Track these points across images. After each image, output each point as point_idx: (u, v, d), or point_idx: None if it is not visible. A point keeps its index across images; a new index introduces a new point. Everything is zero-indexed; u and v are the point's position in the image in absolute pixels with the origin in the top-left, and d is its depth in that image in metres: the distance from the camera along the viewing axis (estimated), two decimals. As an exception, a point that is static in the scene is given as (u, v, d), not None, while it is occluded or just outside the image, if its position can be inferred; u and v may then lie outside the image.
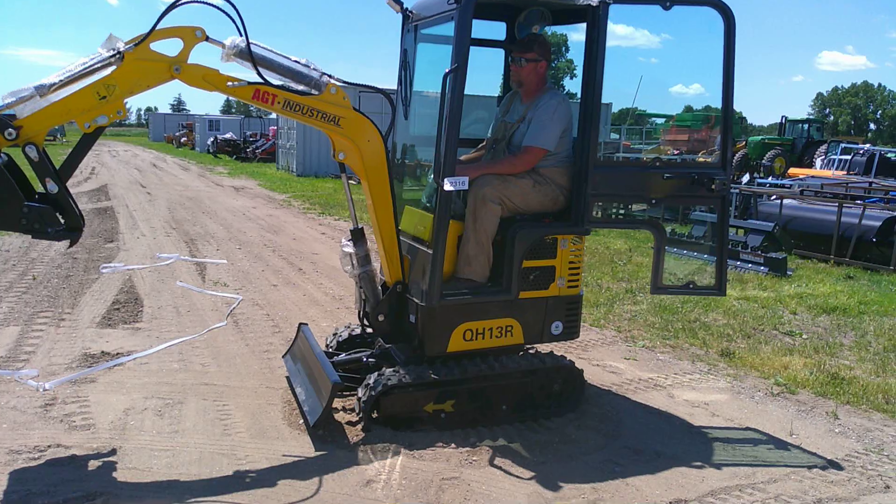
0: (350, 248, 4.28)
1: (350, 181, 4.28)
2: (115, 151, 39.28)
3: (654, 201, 4.55)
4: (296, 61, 3.87)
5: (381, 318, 4.31)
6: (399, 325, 4.35)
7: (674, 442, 4.22)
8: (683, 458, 4.00)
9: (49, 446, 3.82)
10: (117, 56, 3.54)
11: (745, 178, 20.80)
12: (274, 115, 35.90)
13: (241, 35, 3.67)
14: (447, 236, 4.03)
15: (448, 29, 3.91)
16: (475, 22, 4.22)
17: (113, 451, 3.80)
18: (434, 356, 4.16)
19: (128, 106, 3.43)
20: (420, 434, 4.04)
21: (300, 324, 5.02)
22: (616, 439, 4.20)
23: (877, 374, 5.56)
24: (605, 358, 5.76)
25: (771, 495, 3.62)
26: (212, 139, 38.78)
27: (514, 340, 4.30)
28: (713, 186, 4.30)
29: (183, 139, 49.01)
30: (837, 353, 6.09)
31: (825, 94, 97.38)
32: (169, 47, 3.60)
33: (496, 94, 5.10)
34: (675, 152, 30.66)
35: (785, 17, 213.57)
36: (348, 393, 4.44)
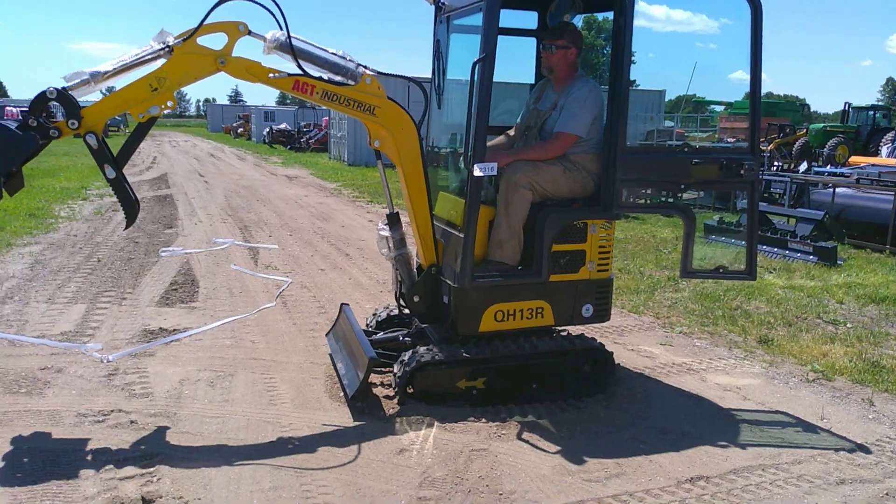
0: (386, 232, 4.49)
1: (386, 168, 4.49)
2: (175, 142, 40.63)
3: (682, 187, 4.58)
4: (333, 53, 4.09)
5: (416, 298, 4.51)
6: (434, 306, 4.54)
7: (701, 423, 4.30)
8: (709, 438, 4.08)
9: (112, 411, 4.16)
10: (167, 49, 3.82)
11: (803, 166, 20.24)
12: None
13: (281, 29, 3.92)
14: (479, 221, 4.19)
15: (478, 19, 4.04)
16: (507, 11, 4.38)
17: (168, 417, 4.11)
18: (466, 335, 4.33)
19: (187, 97, 3.76)
20: (452, 409, 4.24)
21: (342, 304, 5.27)
22: (644, 419, 4.31)
23: (921, 364, 5.48)
24: (640, 343, 5.84)
25: (794, 475, 3.68)
26: (267, 130, 39.73)
27: (545, 322, 4.44)
28: (742, 171, 4.34)
29: (240, 130, 50.32)
30: (882, 343, 6.01)
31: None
32: (214, 42, 3.88)
33: (529, 83, 5.22)
34: (731, 140, 30.00)
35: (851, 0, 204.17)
36: (385, 369, 4.66)
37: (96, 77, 3.79)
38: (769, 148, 26.35)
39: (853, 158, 22.66)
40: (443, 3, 4.69)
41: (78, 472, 3.46)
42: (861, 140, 28.39)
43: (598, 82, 4.58)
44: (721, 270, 4.91)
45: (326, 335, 5.35)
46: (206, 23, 3.80)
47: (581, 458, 3.78)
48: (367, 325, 5.23)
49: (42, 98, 3.67)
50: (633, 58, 4.53)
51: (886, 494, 3.51)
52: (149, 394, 4.45)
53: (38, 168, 19.47)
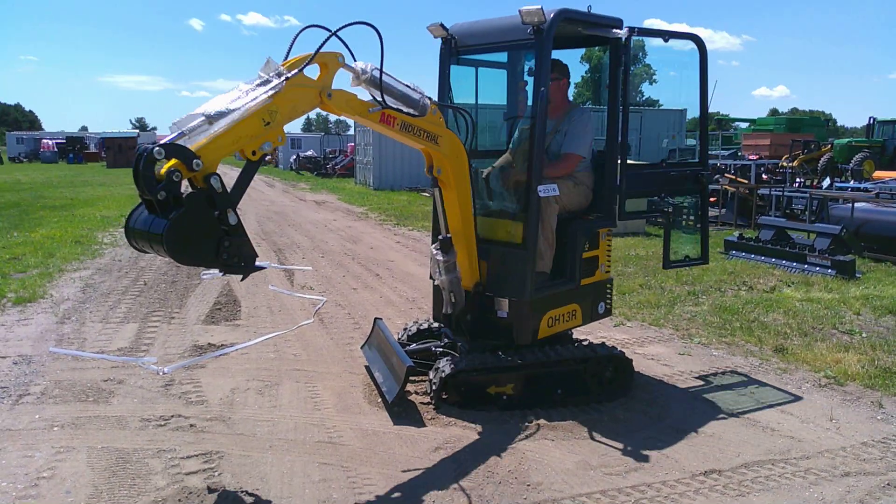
0: (440, 257, 4.71)
1: (423, 193, 4.89)
2: (205, 170, 41.63)
3: (662, 194, 5.37)
4: (406, 85, 4.19)
5: (469, 317, 4.87)
6: (480, 323, 4.90)
7: (716, 423, 4.59)
8: (723, 436, 4.37)
9: (172, 416, 4.58)
10: (281, 80, 3.55)
11: (826, 182, 20.32)
12: (351, 132, 37.36)
13: (370, 63, 3.91)
14: (525, 236, 4.68)
15: (501, 57, 4.53)
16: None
17: (224, 421, 4.51)
18: (526, 343, 4.74)
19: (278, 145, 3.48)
20: (483, 413, 4.58)
21: (375, 318, 5.67)
22: (661, 420, 4.61)
23: (933, 370, 5.69)
24: (659, 353, 6.13)
25: (801, 469, 3.95)
26: (294, 157, 40.64)
27: (577, 322, 5.05)
28: (701, 179, 5.45)
29: (268, 157, 51.32)
30: (896, 351, 6.23)
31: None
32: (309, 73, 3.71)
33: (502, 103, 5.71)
34: (754, 157, 30.03)
35: (875, 9, 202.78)
36: (420, 378, 5.02)
37: (211, 118, 3.42)
38: (794, 164, 26.43)
39: (877, 173, 22.66)
40: (454, 38, 5.01)
41: (147, 467, 3.86)
42: (888, 154, 28.28)
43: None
44: (686, 258, 5.72)
45: (362, 347, 5.74)
46: (315, 53, 3.62)
47: (602, 454, 4.10)
48: (399, 338, 5.61)
49: (151, 163, 3.19)
50: (654, 77, 5.35)
51: (888, 485, 3.77)
52: (204, 401, 4.86)
53: (77, 198, 20.34)
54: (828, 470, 3.95)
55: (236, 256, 3.43)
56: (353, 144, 34.18)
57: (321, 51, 3.65)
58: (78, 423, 4.44)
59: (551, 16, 4.41)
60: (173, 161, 3.18)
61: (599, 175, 5.11)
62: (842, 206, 12.16)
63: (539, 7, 4.29)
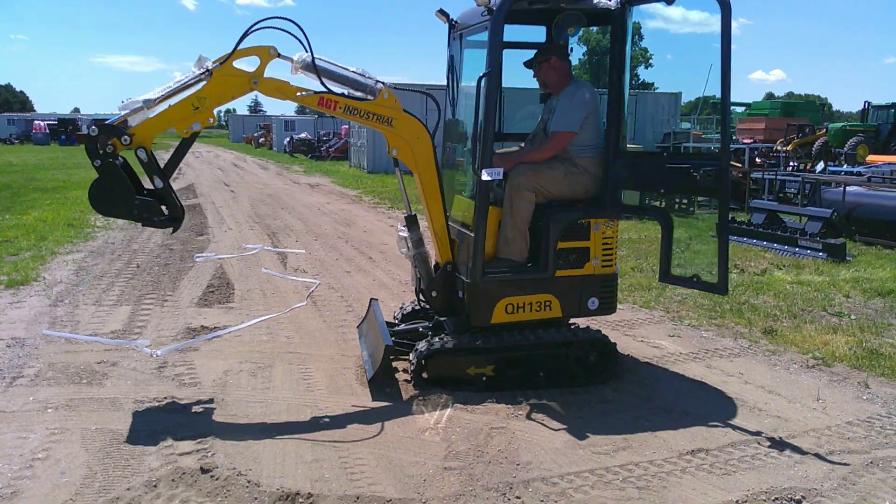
0: (405, 233, 4.90)
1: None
2: (198, 153, 41.47)
3: (662, 191, 4.91)
4: (353, 71, 4.55)
5: (434, 294, 4.91)
6: (450, 301, 4.94)
7: (704, 404, 4.65)
8: (711, 416, 4.43)
9: (165, 398, 4.61)
10: (206, 73, 4.33)
11: (820, 165, 20.37)
12: (346, 115, 37.37)
13: (307, 51, 4.40)
14: (489, 221, 4.59)
15: (486, 36, 4.44)
16: (518, 27, 4.78)
17: (217, 403, 4.54)
18: (479, 326, 4.72)
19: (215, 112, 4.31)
20: (472, 393, 4.63)
21: (371, 299, 5.70)
22: (650, 401, 4.67)
23: (919, 351, 5.76)
24: (649, 335, 6.19)
25: (787, 448, 4.02)
26: (288, 139, 40.49)
27: (553, 314, 4.80)
28: (710, 177, 4.36)
29: (261, 140, 51.18)
30: (883, 333, 6.29)
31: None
32: (247, 65, 4.39)
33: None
34: (748, 141, 30.06)
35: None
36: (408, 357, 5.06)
37: (148, 103, 4.32)
38: (788, 148, 26.45)
39: (870, 157, 22.74)
40: (456, 21, 5.09)
41: (141, 448, 3.90)
42: (881, 139, 28.33)
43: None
44: (695, 280, 4.80)
45: (357, 327, 5.79)
46: (240, 48, 4.31)
47: (591, 434, 4.15)
48: (394, 317, 5.66)
49: (90, 139, 4.22)
50: (650, 60, 4.95)
51: (871, 463, 3.84)
52: (197, 383, 4.89)
53: (69, 181, 20.23)
54: (812, 448, 4.01)
55: (146, 213, 4.36)
56: (347, 127, 34.04)
57: (257, 45, 4.34)
58: (72, 404, 4.47)
59: None
60: (113, 139, 4.19)
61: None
62: (834, 190, 12.22)
63: None
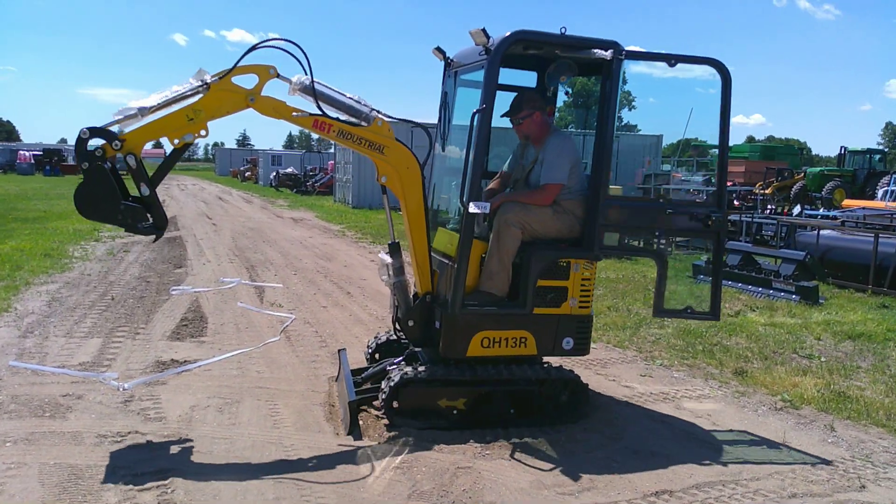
0: (387, 260, 4.93)
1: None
2: (183, 185, 41.47)
3: (658, 234, 5.06)
4: (350, 97, 4.62)
5: (410, 323, 4.92)
6: (427, 331, 4.94)
7: (671, 445, 4.66)
8: (677, 457, 4.44)
9: (129, 433, 4.54)
10: (204, 86, 4.35)
11: (796, 209, 20.73)
12: (332, 150, 37.57)
13: (306, 73, 4.45)
14: (472, 254, 4.65)
15: (481, 75, 4.53)
16: (509, 70, 4.88)
17: (181, 439, 4.49)
18: (454, 358, 4.73)
19: (196, 143, 4.31)
20: (441, 432, 4.60)
21: (339, 350, 5.65)
22: (618, 441, 4.67)
23: (886, 395, 5.82)
24: (621, 374, 6.21)
25: (751, 490, 4.03)
26: (274, 173, 40.55)
27: (528, 351, 4.80)
28: (710, 223, 4.80)
29: (247, 173, 51.25)
30: (852, 376, 6.36)
31: (895, 123, 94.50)
32: (246, 82, 4.40)
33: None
34: (728, 184, 30.52)
35: (848, 42, 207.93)
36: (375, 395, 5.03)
37: (143, 111, 4.31)
38: (767, 191, 26.91)
39: (846, 202, 23.19)
40: (452, 59, 5.21)
41: (100, 484, 3.83)
42: (858, 184, 28.93)
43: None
44: (689, 311, 5.16)
45: (335, 381, 5.72)
46: (240, 64, 4.33)
47: (557, 474, 4.14)
48: (367, 347, 5.70)
49: (80, 141, 4.17)
50: (633, 103, 5.05)
51: (833, 506, 3.86)
52: (162, 418, 4.83)
53: (50, 211, 20.12)
54: (776, 491, 4.02)
55: (130, 218, 4.31)
56: (333, 162, 34.22)
57: (258, 64, 4.36)
58: (32, 438, 4.39)
59: (500, 39, 4.40)
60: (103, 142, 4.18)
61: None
62: (808, 234, 12.44)
63: (481, 29, 4.35)
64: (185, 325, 7.43)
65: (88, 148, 4.20)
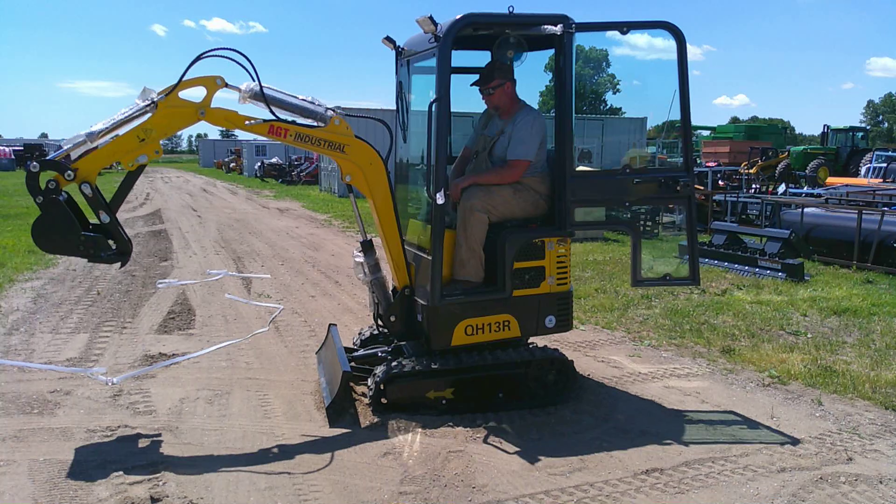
0: (361, 258, 4.90)
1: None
2: (167, 178, 41.11)
3: (627, 204, 5.07)
4: (303, 99, 4.57)
5: (392, 318, 4.91)
6: (409, 325, 4.94)
7: (661, 423, 4.69)
8: (667, 436, 4.47)
9: (118, 427, 4.52)
10: (152, 105, 4.28)
11: (781, 188, 20.86)
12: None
13: (254, 80, 4.38)
14: (444, 244, 4.60)
15: (433, 62, 4.49)
16: (462, 52, 4.84)
17: (171, 432, 4.47)
18: (439, 349, 4.72)
19: (178, 135, 4.24)
20: (432, 417, 4.61)
21: (330, 325, 5.67)
22: (607, 421, 4.70)
23: (871, 368, 5.88)
24: (610, 355, 6.24)
25: (740, 465, 4.07)
26: (259, 164, 40.28)
27: (512, 334, 4.81)
28: (678, 188, 4.79)
29: (232, 164, 50.86)
30: (838, 350, 6.43)
31: (877, 101, 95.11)
32: (195, 95, 4.36)
33: (480, 111, 5.64)
34: (713, 164, 30.70)
35: (829, 21, 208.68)
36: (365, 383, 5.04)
37: (92, 136, 4.25)
38: (752, 171, 27.05)
39: (829, 179, 23.38)
40: (402, 48, 5.15)
41: (90, 478, 3.81)
42: (841, 161, 29.17)
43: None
44: (668, 277, 5.22)
45: (316, 353, 5.74)
46: (185, 79, 4.27)
47: (548, 455, 4.16)
48: (353, 342, 5.63)
49: (31, 176, 4.08)
50: (618, 86, 4.98)
51: (820, 479, 3.91)
52: (152, 411, 4.81)
53: (33, 207, 19.81)
54: (765, 466, 4.07)
55: (92, 249, 4.25)
56: (318, 152, 34.02)
57: (204, 76, 4.29)
58: (21, 435, 4.36)
59: (448, 24, 4.35)
60: (54, 174, 4.09)
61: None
62: (793, 212, 12.52)
63: (428, 16, 4.31)
64: (173, 318, 7.39)
65: (41, 181, 4.11)
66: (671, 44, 4.66)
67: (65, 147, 4.25)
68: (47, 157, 4.22)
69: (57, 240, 4.20)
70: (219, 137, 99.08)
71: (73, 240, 4.20)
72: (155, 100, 4.28)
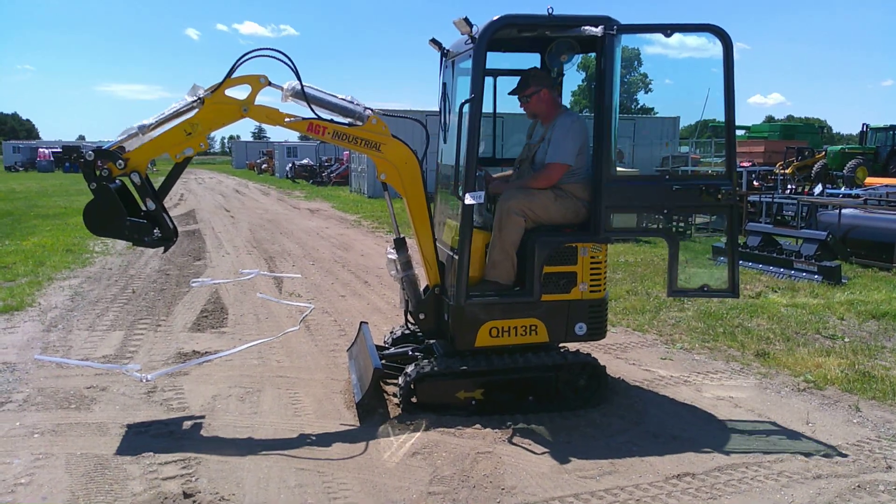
0: (393, 255, 4.93)
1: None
2: (200, 179, 41.74)
3: (666, 212, 4.91)
4: (342, 98, 4.65)
5: (422, 316, 4.93)
6: (438, 323, 4.94)
7: (693, 428, 4.62)
8: (699, 441, 4.41)
9: (153, 422, 4.60)
10: (199, 101, 4.50)
11: (817, 188, 20.42)
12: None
13: (296, 79, 4.52)
14: (475, 244, 4.60)
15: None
16: (511, 54, 4.82)
17: (204, 428, 4.53)
18: (463, 349, 4.71)
19: (212, 136, 4.44)
20: (461, 417, 4.61)
21: (361, 322, 5.71)
22: (638, 425, 4.64)
23: (912, 374, 5.73)
24: (641, 358, 6.17)
25: (774, 472, 3.99)
26: (290, 165, 40.71)
27: (539, 339, 4.75)
28: (719, 196, 4.64)
29: (264, 166, 51.48)
30: (877, 355, 6.27)
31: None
32: (239, 92, 4.53)
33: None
34: (748, 164, 30.17)
35: (868, 16, 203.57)
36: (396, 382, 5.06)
37: (143, 129, 4.56)
38: (787, 171, 26.53)
39: (868, 180, 22.80)
40: (448, 50, 5.17)
41: (125, 473, 3.89)
42: (880, 161, 28.40)
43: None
44: (705, 289, 4.94)
45: (347, 350, 5.79)
46: (231, 77, 4.46)
47: (578, 458, 4.13)
48: (384, 341, 5.67)
49: (87, 164, 4.44)
50: (650, 85, 4.88)
51: (858, 487, 3.81)
52: (185, 407, 4.88)
53: (70, 207, 20.36)
54: (800, 472, 3.98)
55: (136, 233, 4.53)
56: (348, 153, 34.26)
57: (248, 74, 4.47)
58: (59, 429, 4.46)
59: (483, 26, 4.34)
60: (108, 163, 4.42)
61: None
62: (830, 213, 12.25)
63: (463, 18, 4.30)
64: (206, 316, 7.49)
65: (96, 168, 4.43)
66: (703, 41, 4.57)
67: (119, 137, 4.53)
68: (103, 147, 4.51)
69: (105, 223, 4.54)
70: (251, 139, 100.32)
71: (119, 224, 4.50)
72: (202, 96, 4.48)
